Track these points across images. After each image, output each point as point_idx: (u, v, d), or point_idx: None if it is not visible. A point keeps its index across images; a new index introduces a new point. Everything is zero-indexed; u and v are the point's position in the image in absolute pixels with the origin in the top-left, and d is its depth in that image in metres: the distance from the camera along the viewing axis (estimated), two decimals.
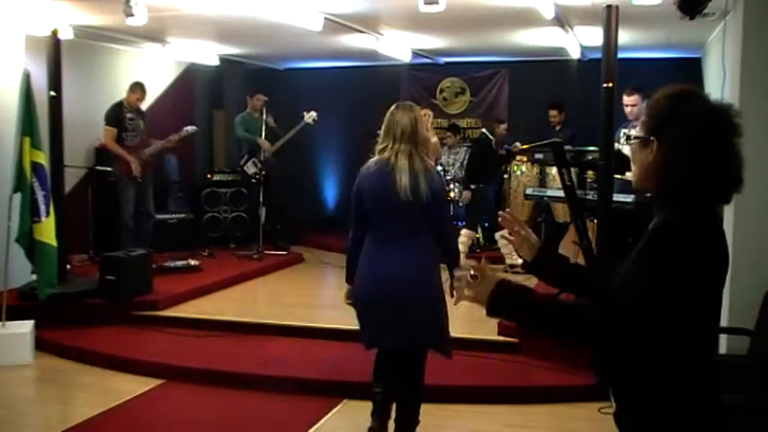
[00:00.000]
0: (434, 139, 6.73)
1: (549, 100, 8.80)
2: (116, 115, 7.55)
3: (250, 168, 8.59)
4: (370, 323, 3.72)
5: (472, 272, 1.76)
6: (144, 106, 7.86)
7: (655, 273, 1.63)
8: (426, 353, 3.84)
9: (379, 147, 3.71)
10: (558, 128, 8.72)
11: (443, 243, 3.77)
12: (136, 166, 7.50)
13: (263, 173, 8.51)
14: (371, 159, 3.76)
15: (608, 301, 1.74)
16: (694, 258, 1.63)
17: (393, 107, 3.71)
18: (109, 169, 7.96)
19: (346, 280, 3.84)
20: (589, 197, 5.39)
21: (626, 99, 5.80)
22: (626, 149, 5.74)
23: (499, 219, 2.11)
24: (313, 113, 8.55)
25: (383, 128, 3.70)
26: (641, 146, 1.77)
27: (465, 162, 9.23)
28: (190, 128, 8.15)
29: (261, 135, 8.53)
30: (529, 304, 1.74)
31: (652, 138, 1.74)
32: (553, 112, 8.74)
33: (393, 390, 3.84)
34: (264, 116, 8.56)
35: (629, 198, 5.30)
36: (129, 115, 7.62)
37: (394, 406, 3.90)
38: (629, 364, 1.73)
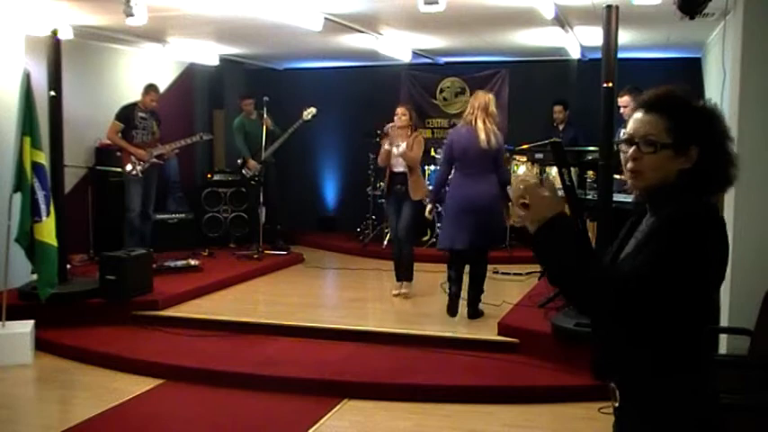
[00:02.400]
0: (403, 148, 6.66)
1: (555, 97, 8.81)
2: (125, 112, 7.71)
3: (248, 171, 8.62)
4: (457, 228, 5.80)
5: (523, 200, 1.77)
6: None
7: (676, 256, 1.63)
8: (489, 248, 6.12)
9: (465, 116, 5.89)
10: (561, 126, 8.73)
11: (501, 176, 5.83)
12: (142, 154, 7.61)
13: (261, 174, 8.52)
14: (459, 124, 6.15)
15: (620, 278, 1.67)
16: (713, 247, 1.67)
17: (475, 94, 6.03)
18: (109, 169, 7.98)
19: (431, 201, 6.50)
20: (589, 197, 5.40)
21: (619, 100, 5.80)
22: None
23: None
24: (312, 109, 8.52)
25: (469, 105, 5.93)
26: (676, 153, 1.73)
27: None
28: (205, 135, 8.42)
29: (260, 137, 8.52)
30: (580, 243, 1.70)
31: (694, 146, 1.72)
32: (558, 108, 8.75)
33: (461, 274, 6.04)
34: (265, 116, 8.54)
35: (629, 198, 5.31)
36: (141, 114, 7.76)
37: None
38: (631, 357, 1.75)
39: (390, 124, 6.79)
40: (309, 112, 8.53)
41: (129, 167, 7.61)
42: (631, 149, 1.77)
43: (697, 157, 1.72)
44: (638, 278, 1.61)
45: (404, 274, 6.85)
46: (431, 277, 7.68)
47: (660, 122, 1.73)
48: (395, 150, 6.69)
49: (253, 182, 8.59)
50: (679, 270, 1.62)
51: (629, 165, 1.77)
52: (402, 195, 6.68)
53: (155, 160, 7.78)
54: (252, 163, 8.61)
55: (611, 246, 1.95)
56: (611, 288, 1.62)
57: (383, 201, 8.89)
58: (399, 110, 6.77)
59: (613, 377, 1.82)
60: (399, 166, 6.69)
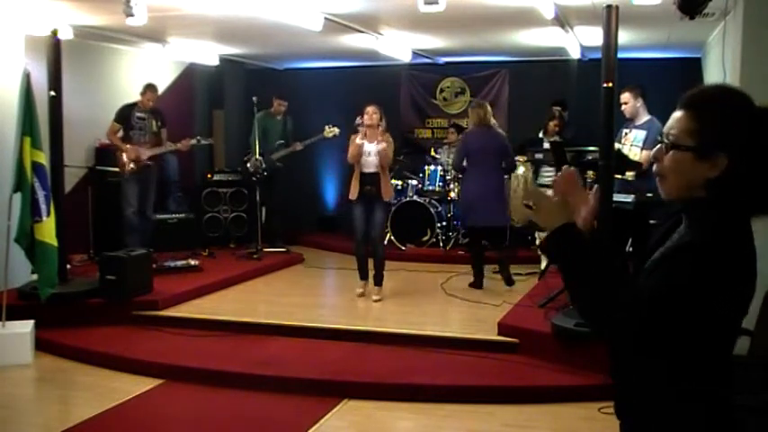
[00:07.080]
0: (383, 146, 6.46)
1: (552, 98, 8.79)
2: (123, 112, 7.68)
3: (252, 164, 8.67)
4: (473, 213, 6.93)
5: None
6: None
7: (698, 284, 1.51)
8: (501, 227, 7.27)
9: (473, 122, 7.10)
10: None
11: (509, 167, 7.29)
12: (129, 155, 7.53)
13: (264, 172, 8.53)
14: (470, 127, 7.36)
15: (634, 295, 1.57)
16: (721, 284, 1.53)
17: (473, 105, 7.30)
18: (109, 169, 7.97)
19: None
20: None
21: (620, 98, 5.80)
22: (626, 149, 5.76)
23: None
24: (336, 129, 8.47)
25: (473, 116, 7.05)
26: (697, 157, 1.57)
27: None
28: (204, 140, 8.43)
29: (277, 138, 8.63)
30: (595, 250, 1.64)
31: (722, 153, 1.55)
32: (557, 108, 8.72)
33: (481, 250, 7.11)
34: (287, 123, 8.60)
35: (629, 198, 5.31)
36: (138, 114, 7.70)
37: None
38: (644, 371, 1.66)
39: (360, 119, 6.57)
40: (332, 132, 8.50)
41: (131, 166, 7.58)
42: (655, 148, 1.66)
43: (727, 167, 1.54)
44: (634, 307, 1.54)
45: (378, 279, 6.72)
46: (431, 277, 7.68)
47: (686, 122, 1.59)
48: (368, 150, 6.48)
49: (255, 177, 8.60)
50: (673, 308, 1.50)
51: (654, 167, 1.67)
52: (373, 197, 6.51)
53: (147, 162, 7.69)
54: (252, 162, 8.64)
55: (646, 245, 1.82)
56: (607, 310, 1.58)
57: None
58: (370, 108, 6.54)
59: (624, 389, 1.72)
60: (371, 167, 6.49)
